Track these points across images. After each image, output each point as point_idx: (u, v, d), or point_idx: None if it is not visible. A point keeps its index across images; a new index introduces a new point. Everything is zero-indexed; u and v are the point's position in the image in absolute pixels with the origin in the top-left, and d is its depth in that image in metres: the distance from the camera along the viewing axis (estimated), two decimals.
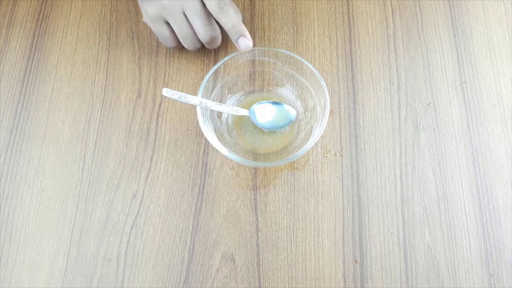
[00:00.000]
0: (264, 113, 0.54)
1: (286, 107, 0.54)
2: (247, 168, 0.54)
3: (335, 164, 0.53)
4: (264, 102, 0.54)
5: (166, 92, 0.48)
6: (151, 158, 0.54)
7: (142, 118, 0.56)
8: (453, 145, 0.54)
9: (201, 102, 0.49)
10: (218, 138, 0.50)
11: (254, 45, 0.59)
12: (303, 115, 0.55)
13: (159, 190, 0.52)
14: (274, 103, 0.54)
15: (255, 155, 0.53)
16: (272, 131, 0.54)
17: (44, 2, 0.63)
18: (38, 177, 0.53)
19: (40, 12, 0.62)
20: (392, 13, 0.61)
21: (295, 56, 0.51)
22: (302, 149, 0.48)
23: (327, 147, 0.54)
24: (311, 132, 0.51)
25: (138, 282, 0.49)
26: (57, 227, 0.51)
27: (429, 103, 0.56)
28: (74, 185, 0.53)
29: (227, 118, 0.55)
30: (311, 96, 0.53)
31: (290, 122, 0.54)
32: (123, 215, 0.52)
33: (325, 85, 0.49)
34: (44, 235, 0.51)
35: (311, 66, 0.50)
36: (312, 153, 0.54)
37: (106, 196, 0.52)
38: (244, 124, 0.55)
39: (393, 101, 0.56)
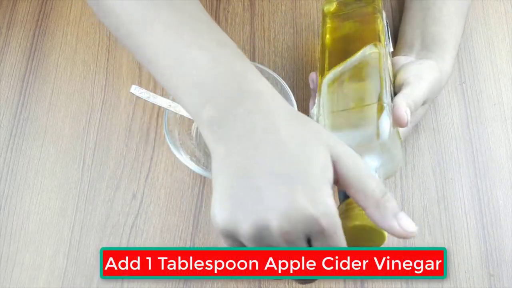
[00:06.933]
0: None
1: None
2: None
3: None
4: None
5: (134, 89, 0.43)
6: (151, 158, 0.54)
7: (142, 118, 0.56)
8: (453, 145, 0.54)
9: (170, 105, 0.46)
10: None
11: (254, 45, 0.59)
12: None
13: (159, 190, 0.52)
14: None
15: None
16: None
17: (44, 2, 0.63)
18: (38, 177, 0.53)
19: (40, 12, 0.62)
20: (392, 13, 0.61)
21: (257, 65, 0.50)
22: None
23: None
24: None
25: (138, 282, 0.49)
26: (57, 227, 0.51)
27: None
28: (74, 185, 0.53)
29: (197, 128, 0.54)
30: None
31: None
32: (123, 215, 0.51)
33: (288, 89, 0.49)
34: (44, 235, 0.51)
35: (273, 73, 0.49)
36: None
37: (106, 196, 0.52)
38: None
39: None
